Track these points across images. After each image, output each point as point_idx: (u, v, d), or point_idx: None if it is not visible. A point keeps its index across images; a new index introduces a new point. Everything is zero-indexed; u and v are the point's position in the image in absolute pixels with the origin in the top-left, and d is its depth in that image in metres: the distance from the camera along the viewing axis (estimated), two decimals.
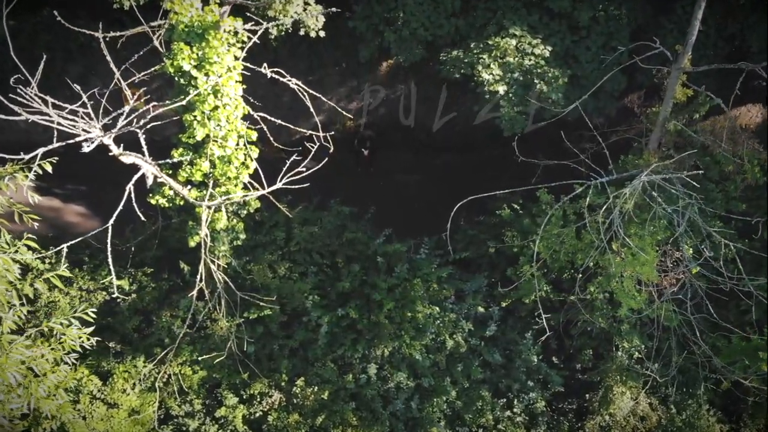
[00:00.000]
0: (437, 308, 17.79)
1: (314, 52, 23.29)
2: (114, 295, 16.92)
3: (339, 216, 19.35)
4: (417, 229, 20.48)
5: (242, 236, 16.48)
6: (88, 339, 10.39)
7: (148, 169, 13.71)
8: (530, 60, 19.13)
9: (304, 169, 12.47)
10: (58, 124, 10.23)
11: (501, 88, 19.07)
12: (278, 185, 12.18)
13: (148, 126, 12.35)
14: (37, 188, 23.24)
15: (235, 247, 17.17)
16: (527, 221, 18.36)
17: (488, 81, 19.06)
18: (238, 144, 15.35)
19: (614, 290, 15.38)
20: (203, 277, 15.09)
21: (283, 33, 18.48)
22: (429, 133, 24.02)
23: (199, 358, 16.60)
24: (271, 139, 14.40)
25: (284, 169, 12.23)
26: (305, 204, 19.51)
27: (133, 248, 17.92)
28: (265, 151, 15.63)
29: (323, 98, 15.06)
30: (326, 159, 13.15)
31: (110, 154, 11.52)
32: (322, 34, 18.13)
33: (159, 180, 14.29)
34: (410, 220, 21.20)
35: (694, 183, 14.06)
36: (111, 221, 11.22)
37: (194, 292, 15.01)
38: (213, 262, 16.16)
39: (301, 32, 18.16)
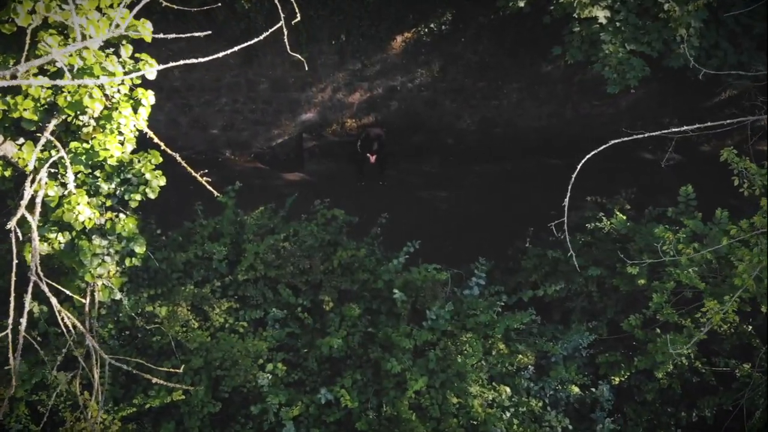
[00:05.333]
0: (507, 389, 9.52)
1: (301, 18, 16.29)
2: None
3: (329, 228, 11.23)
4: (455, 258, 12.46)
5: (140, 249, 8.43)
6: None
7: None
8: None
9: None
10: None
11: (601, 14, 11.57)
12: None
13: None
14: None
15: (128, 270, 9.14)
16: (660, 229, 10.30)
17: (580, 2, 11.46)
18: (117, 52, 7.78)
19: None
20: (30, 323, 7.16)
21: None
22: (459, 136, 16.98)
23: None
24: None
25: None
26: (271, 205, 11.49)
27: None
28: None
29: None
30: None
31: None
32: None
33: None
34: (443, 246, 13.39)
35: None
36: None
37: (17, 351, 7.25)
38: (69, 296, 8.15)
39: None
